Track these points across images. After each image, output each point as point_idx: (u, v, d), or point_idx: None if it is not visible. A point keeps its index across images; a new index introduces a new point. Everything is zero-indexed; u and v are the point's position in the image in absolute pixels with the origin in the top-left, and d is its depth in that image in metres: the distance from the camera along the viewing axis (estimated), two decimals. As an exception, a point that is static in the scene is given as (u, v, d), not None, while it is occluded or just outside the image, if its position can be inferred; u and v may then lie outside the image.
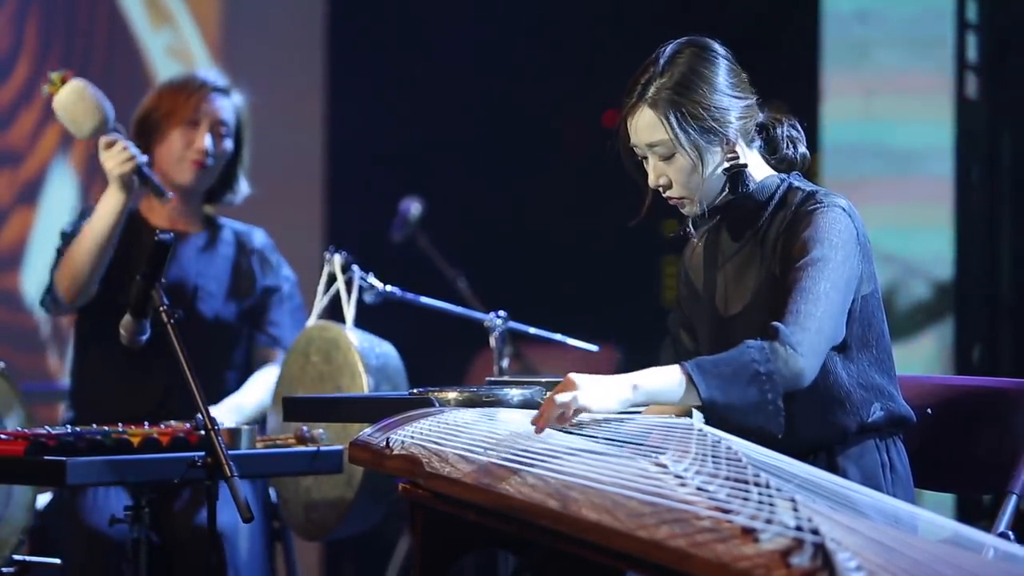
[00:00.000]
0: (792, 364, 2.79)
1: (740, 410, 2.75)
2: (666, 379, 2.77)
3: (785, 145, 3.10)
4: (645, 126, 3.00)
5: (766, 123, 3.09)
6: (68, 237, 4.11)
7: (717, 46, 3.05)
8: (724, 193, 3.04)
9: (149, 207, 4.22)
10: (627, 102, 3.02)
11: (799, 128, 3.13)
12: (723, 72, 3.02)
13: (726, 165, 3.01)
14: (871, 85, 6.28)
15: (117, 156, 3.93)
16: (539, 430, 2.66)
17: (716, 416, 2.72)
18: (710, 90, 2.99)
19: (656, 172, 3.03)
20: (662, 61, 3.00)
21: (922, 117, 6.23)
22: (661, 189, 3.04)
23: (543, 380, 3.16)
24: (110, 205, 3.98)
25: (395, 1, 6.97)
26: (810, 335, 2.82)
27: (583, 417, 2.76)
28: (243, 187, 4.28)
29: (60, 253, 4.11)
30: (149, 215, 4.22)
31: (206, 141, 4.13)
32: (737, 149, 3.02)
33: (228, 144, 4.19)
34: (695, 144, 2.98)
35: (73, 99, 3.90)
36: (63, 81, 3.91)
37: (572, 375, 2.75)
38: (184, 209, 4.21)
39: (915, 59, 6.25)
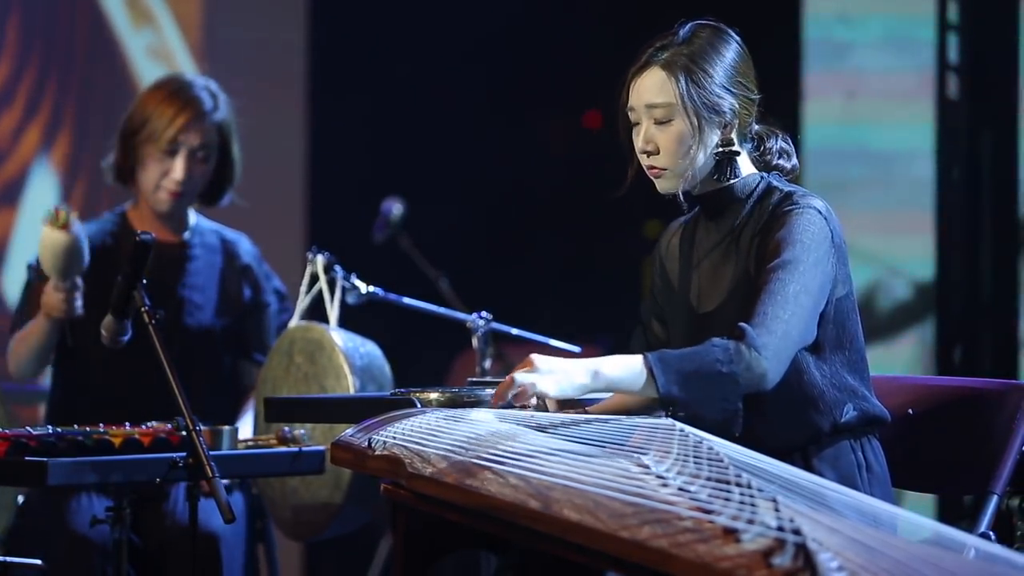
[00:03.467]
0: (755, 367, 2.79)
1: (697, 407, 2.76)
2: (627, 368, 2.79)
3: (776, 156, 3.10)
4: (652, 85, 3.00)
5: (760, 133, 3.10)
6: (32, 290, 4.10)
7: (737, 37, 3.07)
8: (708, 177, 3.04)
9: (136, 214, 4.20)
10: (636, 64, 3.03)
11: (790, 142, 3.14)
12: (737, 58, 3.04)
13: (720, 149, 3.01)
14: (852, 86, 6.29)
15: (57, 303, 3.86)
16: (494, 404, 2.73)
17: (673, 410, 2.74)
18: (723, 69, 3.01)
19: (647, 136, 3.02)
20: (682, 32, 3.03)
21: (903, 118, 6.24)
22: (646, 155, 3.02)
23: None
24: (39, 325, 3.96)
25: (377, 2, 6.97)
26: (776, 339, 2.82)
27: (564, 417, 2.76)
28: (226, 200, 4.25)
29: (20, 311, 4.10)
30: (136, 221, 4.19)
31: (180, 173, 4.09)
32: (732, 136, 3.02)
33: (208, 165, 4.15)
34: (698, 113, 2.98)
35: (61, 247, 3.79)
36: (64, 225, 3.78)
37: (534, 355, 2.78)
38: (168, 217, 4.20)
39: (896, 60, 6.27)
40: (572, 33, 6.86)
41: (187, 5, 6.82)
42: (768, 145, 3.10)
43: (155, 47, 6.74)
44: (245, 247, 4.30)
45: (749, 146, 3.09)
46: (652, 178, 3.05)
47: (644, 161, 3.04)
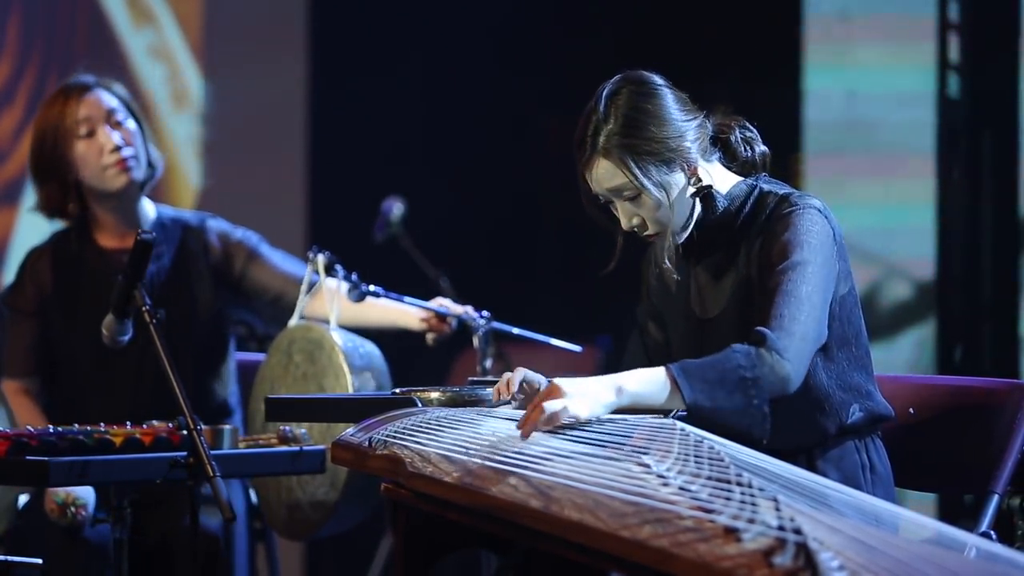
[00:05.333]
0: (779, 370, 2.79)
1: (725, 415, 2.75)
2: (650, 382, 2.77)
3: (743, 149, 3.09)
4: (604, 175, 2.99)
5: (716, 133, 3.08)
6: (8, 322, 4.11)
7: (652, 76, 3.02)
8: (696, 213, 3.03)
9: (96, 221, 4.13)
10: (580, 155, 3.00)
11: (751, 128, 3.12)
12: (666, 100, 2.99)
13: (692, 190, 3.01)
14: (853, 86, 6.29)
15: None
16: (525, 435, 2.64)
17: (700, 420, 2.72)
18: (658, 123, 2.96)
19: (627, 215, 3.01)
20: (602, 107, 2.98)
21: (904, 117, 6.24)
22: (636, 230, 3.03)
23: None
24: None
25: (379, 2, 6.97)
26: (796, 340, 2.82)
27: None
28: (156, 155, 4.19)
29: (5, 349, 4.11)
30: (95, 232, 4.14)
31: (113, 137, 4.03)
32: (700, 172, 3.01)
33: (131, 125, 4.09)
34: (658, 181, 2.96)
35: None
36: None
37: (558, 381, 2.73)
38: (127, 215, 4.14)
39: (897, 59, 6.26)
40: (573, 32, 6.86)
41: (188, 4, 6.82)
42: (730, 140, 3.09)
43: (156, 46, 6.74)
44: (209, 225, 4.23)
45: (716, 155, 3.08)
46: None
47: (640, 235, 3.05)
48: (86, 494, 3.76)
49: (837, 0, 6.31)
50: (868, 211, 6.16)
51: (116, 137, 4.04)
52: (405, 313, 4.06)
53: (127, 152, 4.05)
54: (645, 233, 3.03)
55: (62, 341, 4.09)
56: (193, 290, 4.17)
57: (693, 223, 3.04)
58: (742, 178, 3.07)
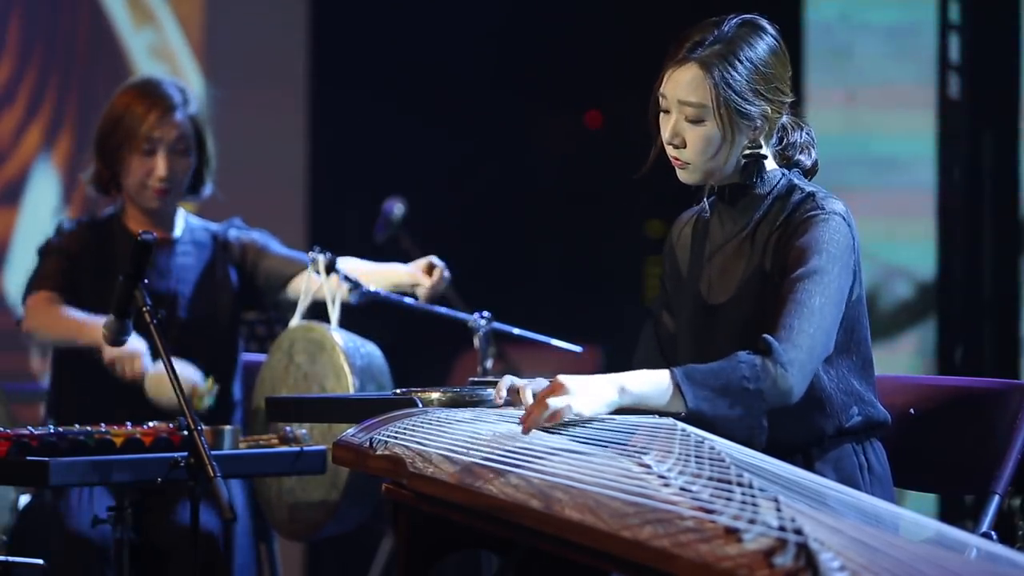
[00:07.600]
0: (781, 384, 2.78)
1: (725, 424, 2.75)
2: (654, 384, 2.77)
3: (799, 151, 3.08)
4: (688, 82, 2.96)
5: (785, 125, 3.07)
6: (45, 255, 4.12)
7: (778, 37, 3.04)
8: (731, 172, 3.02)
9: (129, 214, 4.19)
10: (676, 53, 2.99)
11: (812, 136, 3.12)
12: (775, 61, 3.00)
13: (746, 152, 3.00)
14: (854, 86, 6.29)
15: (129, 367, 3.92)
16: (526, 431, 2.65)
17: (699, 424, 2.72)
18: (759, 74, 2.97)
19: (675, 129, 2.99)
20: (726, 28, 2.98)
21: (905, 118, 6.24)
22: (672, 146, 3.00)
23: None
24: (83, 336, 3.97)
25: (378, 2, 6.97)
26: (802, 354, 2.81)
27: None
28: (208, 188, 4.25)
29: (37, 274, 4.12)
30: (128, 221, 4.19)
31: (164, 170, 4.09)
32: (761, 139, 3.01)
33: (190, 158, 4.15)
34: (731, 119, 2.96)
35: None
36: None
37: (562, 377, 2.74)
38: (157, 217, 4.19)
39: (898, 60, 6.27)
40: (574, 32, 6.86)
41: (188, 5, 6.82)
42: (792, 139, 3.07)
43: (156, 47, 6.74)
44: (230, 230, 4.29)
45: (773, 140, 3.07)
46: (675, 167, 3.04)
47: (670, 151, 3.02)
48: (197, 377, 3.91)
49: (837, 2, 6.31)
50: (868, 212, 6.16)
51: (167, 168, 4.11)
52: (393, 272, 4.08)
53: (170, 185, 4.13)
54: (677, 152, 3.00)
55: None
56: (217, 293, 4.21)
57: (725, 179, 3.03)
58: (779, 167, 3.07)
